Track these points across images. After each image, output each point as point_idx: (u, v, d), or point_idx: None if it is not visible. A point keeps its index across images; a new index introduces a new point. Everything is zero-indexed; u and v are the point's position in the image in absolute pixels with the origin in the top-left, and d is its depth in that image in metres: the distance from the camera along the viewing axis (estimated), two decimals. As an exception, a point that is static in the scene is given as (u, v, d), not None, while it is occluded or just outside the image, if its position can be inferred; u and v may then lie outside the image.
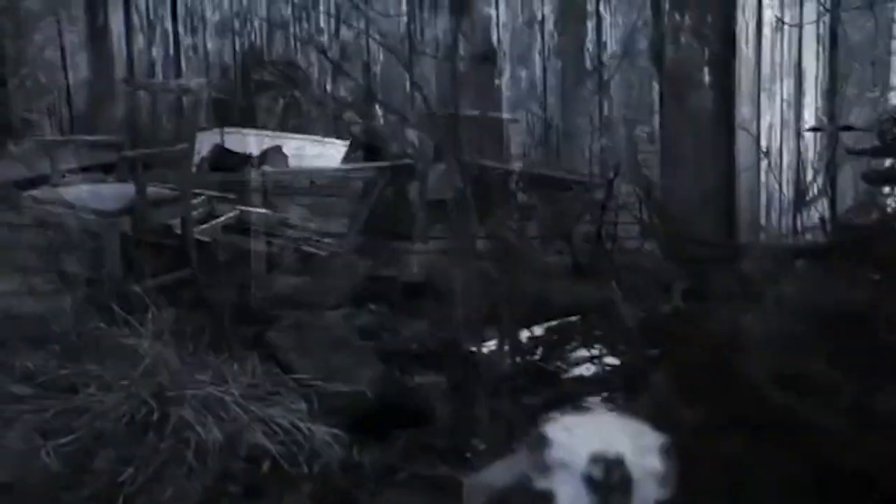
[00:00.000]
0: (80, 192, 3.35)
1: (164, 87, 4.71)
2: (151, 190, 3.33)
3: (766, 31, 3.43)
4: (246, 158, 4.82)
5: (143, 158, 3.24)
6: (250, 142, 4.88)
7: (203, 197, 4.06)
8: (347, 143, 4.42)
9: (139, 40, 5.63)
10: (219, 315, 2.98)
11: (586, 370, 2.42)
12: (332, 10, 4.66)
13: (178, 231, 3.62)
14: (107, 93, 5.98)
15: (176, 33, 5.40)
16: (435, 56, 4.24)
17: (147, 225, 3.32)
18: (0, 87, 6.48)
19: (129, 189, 3.29)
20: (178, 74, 5.43)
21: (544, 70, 3.90)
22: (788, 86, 3.49)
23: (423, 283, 3.13)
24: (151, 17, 5.52)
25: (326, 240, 3.80)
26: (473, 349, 2.42)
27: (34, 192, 3.33)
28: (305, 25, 4.81)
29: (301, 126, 4.84)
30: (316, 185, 4.31)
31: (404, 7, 4.37)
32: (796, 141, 3.57)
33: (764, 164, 3.53)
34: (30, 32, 6.20)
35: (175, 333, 2.84)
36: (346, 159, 4.34)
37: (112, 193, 3.30)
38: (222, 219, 3.97)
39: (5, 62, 6.46)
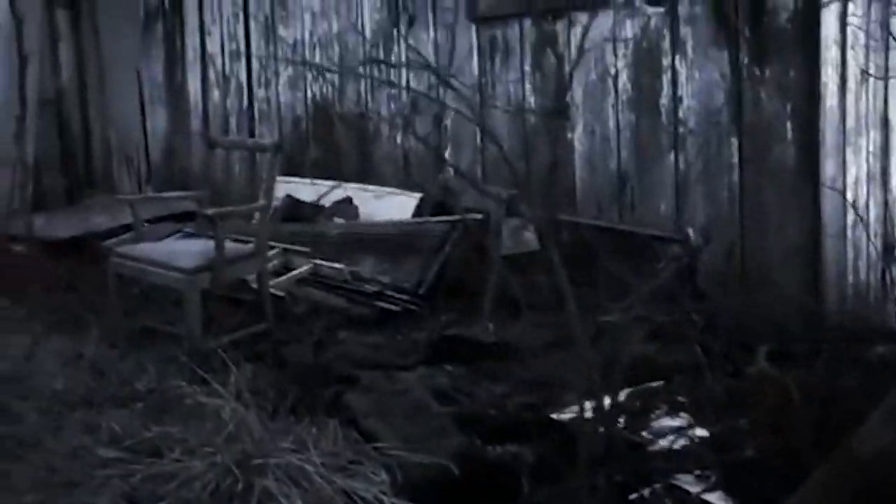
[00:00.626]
0: (162, 248, 3.43)
1: (240, 145, 4.81)
2: (229, 246, 3.39)
3: (851, 83, 3.34)
4: (317, 209, 4.87)
5: (222, 216, 3.30)
6: (321, 192, 4.94)
7: (277, 249, 4.12)
8: (419, 195, 4.43)
9: (214, 94, 5.79)
10: (296, 375, 2.99)
11: (673, 442, 2.34)
12: (404, 63, 4.72)
13: (254, 285, 3.67)
14: (183, 144, 6.17)
15: (250, 87, 5.54)
16: (507, 109, 4.25)
17: (225, 281, 3.38)
18: (83, 139, 6.76)
19: (208, 245, 3.36)
20: (252, 126, 5.56)
21: (618, 124, 3.86)
22: (875, 138, 3.39)
23: (499, 343, 3.09)
24: (227, 72, 5.68)
25: (399, 295, 3.80)
26: (557, 417, 2.37)
27: (118, 248, 3.41)
28: (377, 74, 4.88)
29: (372, 177, 4.88)
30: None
31: (476, 61, 4.39)
32: (884, 194, 3.45)
33: (850, 218, 3.41)
34: (112, 86, 6.46)
35: (254, 392, 2.86)
36: (417, 212, 4.35)
37: (192, 250, 3.37)
38: (297, 272, 4.02)
39: (88, 114, 6.74)
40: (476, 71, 4.39)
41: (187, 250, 3.36)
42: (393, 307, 3.74)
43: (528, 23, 4.19)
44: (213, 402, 2.77)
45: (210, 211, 3.27)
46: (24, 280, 4.27)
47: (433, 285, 3.84)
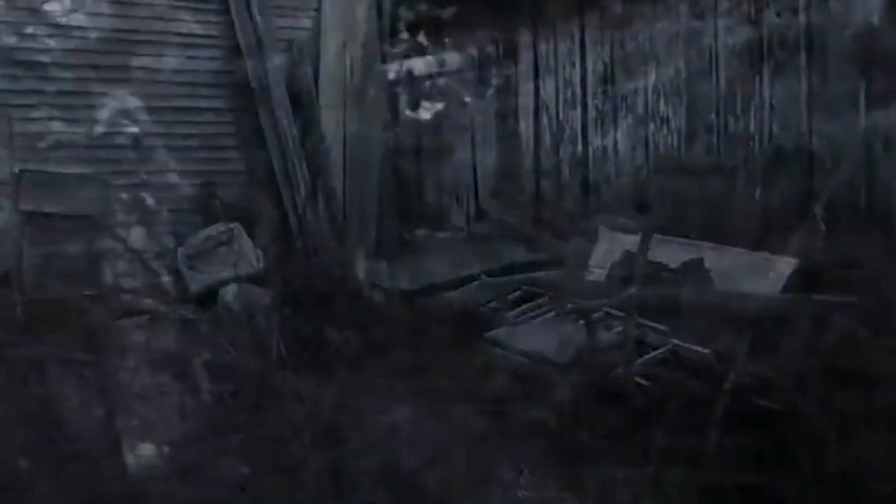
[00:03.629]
0: (532, 336, 3.36)
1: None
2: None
3: None
4: (660, 269, 4.57)
5: (590, 309, 3.14)
6: (667, 250, 4.63)
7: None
8: (792, 261, 3.94)
9: (546, 139, 5.74)
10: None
11: None
12: (766, 112, 4.28)
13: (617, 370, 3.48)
14: (515, 187, 6.21)
15: (584, 135, 5.40)
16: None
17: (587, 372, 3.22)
18: (416, 179, 7.10)
19: (577, 333, 3.23)
20: (585, 174, 5.43)
21: None
22: None
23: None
24: (561, 118, 5.59)
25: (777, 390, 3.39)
26: None
27: (489, 334, 3.40)
28: (733, 127, 4.49)
29: (721, 234, 4.49)
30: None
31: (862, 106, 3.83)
32: None
33: None
34: (447, 134, 6.70)
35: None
36: (789, 286, 3.88)
37: (563, 340, 3.25)
38: (655, 353, 3.76)
39: (422, 155, 7.06)
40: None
41: (558, 340, 3.25)
42: (772, 405, 3.33)
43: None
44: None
45: (583, 304, 3.13)
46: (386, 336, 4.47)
47: (820, 380, 3.37)
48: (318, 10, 6.34)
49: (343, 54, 6.38)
